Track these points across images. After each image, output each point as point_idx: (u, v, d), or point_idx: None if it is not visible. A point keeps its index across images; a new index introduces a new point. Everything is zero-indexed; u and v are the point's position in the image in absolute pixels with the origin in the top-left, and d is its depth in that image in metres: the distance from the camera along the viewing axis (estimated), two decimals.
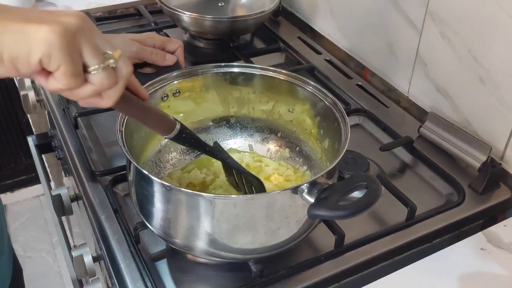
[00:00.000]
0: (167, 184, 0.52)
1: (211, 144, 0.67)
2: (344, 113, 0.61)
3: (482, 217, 0.74)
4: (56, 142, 1.01)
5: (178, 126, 0.58)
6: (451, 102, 0.84)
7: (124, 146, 0.56)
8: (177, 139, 0.58)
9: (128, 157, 0.54)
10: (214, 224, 0.53)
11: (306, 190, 0.53)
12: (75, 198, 0.86)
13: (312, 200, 0.52)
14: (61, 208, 0.86)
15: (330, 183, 0.54)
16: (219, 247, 0.56)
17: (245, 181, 0.65)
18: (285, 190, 0.52)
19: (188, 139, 0.60)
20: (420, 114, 0.91)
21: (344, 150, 0.56)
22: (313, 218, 0.52)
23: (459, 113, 0.83)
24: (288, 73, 0.69)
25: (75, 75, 0.43)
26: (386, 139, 0.86)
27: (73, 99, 0.46)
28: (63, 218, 0.98)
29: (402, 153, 0.84)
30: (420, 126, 0.85)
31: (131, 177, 0.59)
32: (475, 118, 0.81)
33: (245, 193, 0.66)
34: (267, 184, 0.69)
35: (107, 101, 0.46)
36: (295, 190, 0.52)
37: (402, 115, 0.92)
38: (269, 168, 0.73)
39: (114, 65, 0.44)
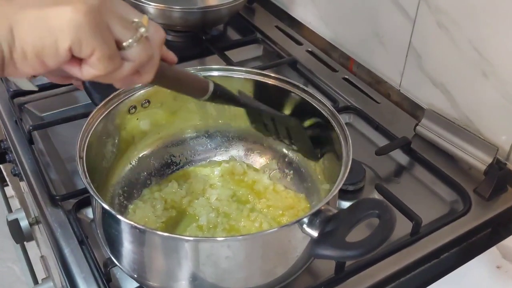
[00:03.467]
0: (140, 226, 0.43)
1: (236, 93, 0.60)
2: (344, 127, 0.53)
3: (490, 225, 0.68)
4: (10, 156, 0.90)
5: (211, 86, 0.52)
6: (449, 98, 0.77)
7: (86, 178, 0.47)
8: (212, 99, 0.53)
9: (92, 193, 0.45)
10: (200, 269, 0.45)
11: (307, 222, 0.45)
12: (35, 222, 0.76)
13: (315, 234, 0.44)
14: (19, 234, 0.75)
15: (335, 211, 0.46)
16: None
17: (277, 125, 0.61)
18: (283, 226, 0.44)
19: (223, 96, 0.54)
20: (413, 110, 0.84)
21: (347, 173, 0.48)
22: (317, 258, 0.44)
23: (459, 110, 0.76)
24: (278, 77, 0.60)
25: (112, 57, 0.37)
26: (379, 139, 0.79)
27: (109, 82, 0.40)
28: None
29: (398, 155, 0.76)
30: (417, 124, 0.78)
31: (97, 213, 0.50)
32: (477, 115, 0.74)
33: (277, 136, 0.63)
34: (260, 203, 0.61)
35: (146, 76, 0.40)
36: (295, 224, 0.44)
37: (394, 112, 0.85)
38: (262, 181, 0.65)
39: (147, 34, 0.38)
